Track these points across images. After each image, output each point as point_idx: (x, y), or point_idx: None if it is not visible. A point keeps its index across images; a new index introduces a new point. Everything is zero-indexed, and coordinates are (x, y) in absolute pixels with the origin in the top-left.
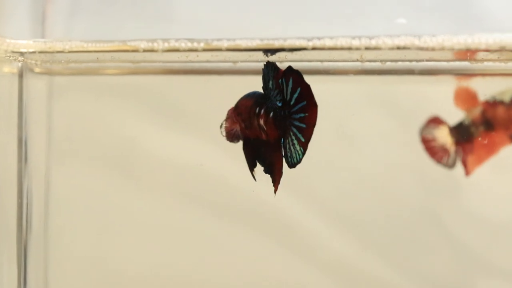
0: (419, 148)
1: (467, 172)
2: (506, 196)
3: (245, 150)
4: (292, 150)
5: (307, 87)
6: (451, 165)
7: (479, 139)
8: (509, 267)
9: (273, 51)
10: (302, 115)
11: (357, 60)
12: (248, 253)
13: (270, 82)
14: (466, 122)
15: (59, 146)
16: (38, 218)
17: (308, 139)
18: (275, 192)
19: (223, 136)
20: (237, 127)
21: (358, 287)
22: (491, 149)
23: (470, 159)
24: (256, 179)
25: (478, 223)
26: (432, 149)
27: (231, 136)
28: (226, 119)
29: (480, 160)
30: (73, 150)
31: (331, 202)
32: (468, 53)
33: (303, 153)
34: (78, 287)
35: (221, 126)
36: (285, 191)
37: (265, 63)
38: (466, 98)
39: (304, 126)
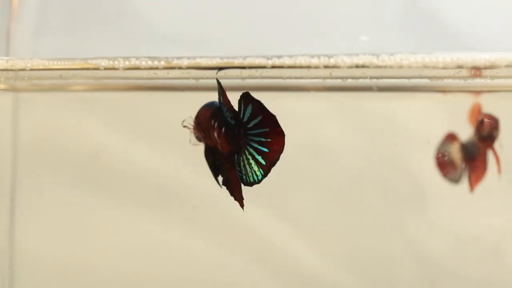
0: (383, 161)
1: (471, 188)
2: (469, 208)
3: (206, 157)
4: (248, 169)
5: (270, 116)
6: (457, 180)
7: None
8: (474, 276)
9: (222, 68)
10: (263, 139)
11: (327, 78)
12: (218, 262)
13: (221, 98)
14: (473, 139)
15: (25, 160)
16: (3, 231)
17: (271, 163)
18: (241, 206)
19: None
20: (200, 135)
21: None
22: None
23: (473, 175)
24: (222, 187)
25: (442, 235)
26: (442, 164)
27: (198, 140)
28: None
29: (480, 177)
30: (39, 164)
31: (298, 214)
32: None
33: (263, 175)
34: None
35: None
36: (253, 203)
37: (216, 79)
38: (476, 114)
39: (266, 150)
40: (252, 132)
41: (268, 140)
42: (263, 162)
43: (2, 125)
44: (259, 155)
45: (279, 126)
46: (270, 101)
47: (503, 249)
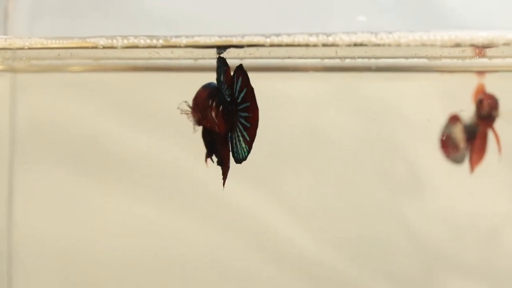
0: (382, 143)
1: (472, 169)
2: (468, 194)
3: (203, 138)
4: (238, 146)
5: (251, 90)
6: (460, 161)
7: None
8: (472, 263)
9: (225, 47)
10: (247, 114)
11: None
12: (213, 245)
13: (222, 76)
14: (473, 120)
15: (23, 143)
16: (2, 218)
17: (252, 139)
18: (223, 185)
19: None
20: (197, 116)
21: (319, 283)
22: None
23: (474, 156)
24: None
25: (440, 218)
26: (446, 145)
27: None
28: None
29: (480, 158)
30: (37, 147)
31: (294, 197)
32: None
33: (248, 151)
34: (44, 283)
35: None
36: (249, 186)
37: (217, 57)
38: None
39: (248, 125)
40: (240, 107)
41: (250, 115)
42: (248, 138)
43: (0, 107)
44: (245, 130)
45: (255, 99)
46: (269, 82)
47: (502, 233)
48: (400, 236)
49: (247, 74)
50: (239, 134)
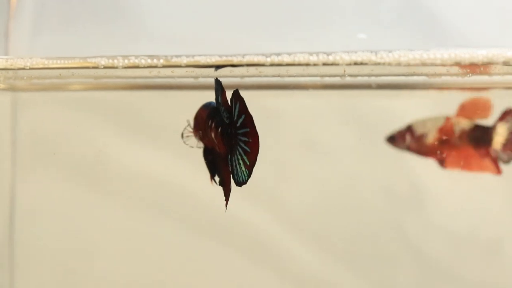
0: (382, 159)
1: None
2: (468, 209)
3: (205, 158)
4: (238, 169)
5: (250, 116)
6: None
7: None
8: (471, 278)
9: (220, 66)
10: (246, 139)
11: (341, 75)
12: (215, 264)
13: (219, 98)
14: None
15: (24, 160)
16: (3, 233)
17: (252, 164)
18: (226, 206)
19: (185, 144)
20: (198, 135)
21: None
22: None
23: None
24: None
25: (441, 235)
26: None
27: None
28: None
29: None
30: (38, 164)
31: (296, 213)
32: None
33: (248, 176)
34: None
35: (182, 136)
36: (251, 202)
37: (214, 79)
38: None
39: (248, 150)
40: (239, 131)
41: (250, 140)
42: (248, 162)
43: (1, 125)
44: (245, 154)
45: (255, 127)
46: (268, 100)
47: (502, 245)
48: (400, 248)
49: (243, 100)
50: (239, 157)
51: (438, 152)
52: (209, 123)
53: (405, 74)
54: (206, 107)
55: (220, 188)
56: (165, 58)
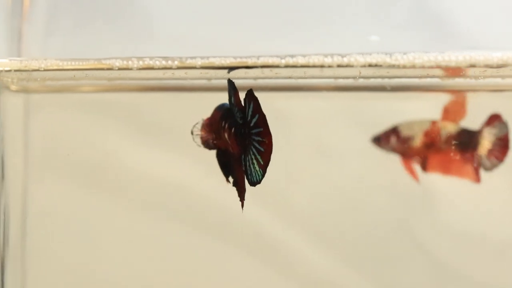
0: (393, 163)
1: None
2: (478, 210)
3: (218, 160)
4: (252, 169)
5: (263, 116)
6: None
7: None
8: (481, 279)
9: (234, 68)
10: (260, 139)
11: (355, 77)
12: (225, 266)
13: (232, 99)
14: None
15: (36, 162)
16: (16, 234)
17: (266, 164)
18: (242, 207)
19: (196, 143)
20: (211, 137)
21: None
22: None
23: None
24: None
25: (451, 237)
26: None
27: (207, 145)
28: (201, 128)
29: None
30: (50, 166)
31: (306, 215)
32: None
33: (262, 175)
34: None
35: (192, 133)
36: (260, 205)
37: (227, 80)
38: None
39: (262, 150)
40: (253, 131)
41: (264, 140)
42: (261, 162)
43: (14, 127)
44: (258, 154)
45: (268, 126)
46: (281, 101)
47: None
48: (409, 250)
49: (258, 100)
50: (253, 157)
51: (422, 155)
52: (223, 124)
53: (418, 76)
54: (219, 108)
55: (231, 189)
56: (179, 59)
